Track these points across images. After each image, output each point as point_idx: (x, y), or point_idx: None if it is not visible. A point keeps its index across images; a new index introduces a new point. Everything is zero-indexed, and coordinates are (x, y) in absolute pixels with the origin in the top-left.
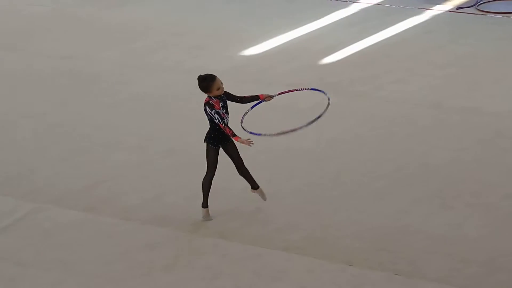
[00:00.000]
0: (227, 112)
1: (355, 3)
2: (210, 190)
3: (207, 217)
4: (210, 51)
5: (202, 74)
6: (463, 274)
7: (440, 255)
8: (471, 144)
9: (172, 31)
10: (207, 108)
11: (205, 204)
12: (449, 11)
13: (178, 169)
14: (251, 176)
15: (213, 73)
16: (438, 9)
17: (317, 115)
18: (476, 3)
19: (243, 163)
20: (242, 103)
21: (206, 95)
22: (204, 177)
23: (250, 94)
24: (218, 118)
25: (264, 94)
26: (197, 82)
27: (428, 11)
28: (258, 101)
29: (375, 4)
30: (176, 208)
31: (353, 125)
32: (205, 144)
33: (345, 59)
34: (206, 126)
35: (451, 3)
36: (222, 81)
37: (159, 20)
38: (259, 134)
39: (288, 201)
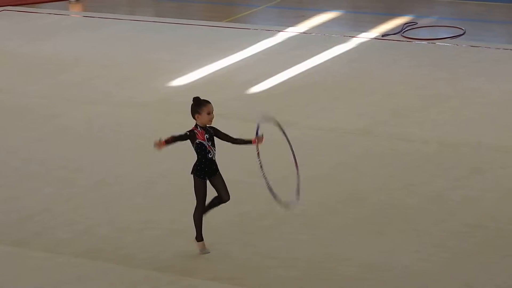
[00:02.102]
0: (213, 145)
1: (280, 32)
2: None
3: (203, 250)
4: (138, 83)
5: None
6: None
7: (373, 282)
8: (400, 171)
9: (100, 63)
10: (191, 140)
11: (199, 238)
12: (375, 38)
13: (110, 200)
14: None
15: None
16: (364, 37)
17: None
18: (401, 30)
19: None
20: (234, 144)
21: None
22: (194, 211)
23: (243, 138)
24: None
25: (254, 137)
26: (124, 112)
27: (354, 38)
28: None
29: (301, 32)
30: (108, 241)
31: (283, 154)
32: (191, 176)
33: (272, 89)
34: (135, 156)
35: (376, 30)
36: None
37: (87, 52)
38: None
39: (221, 231)
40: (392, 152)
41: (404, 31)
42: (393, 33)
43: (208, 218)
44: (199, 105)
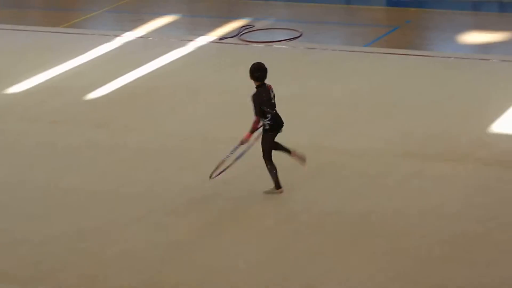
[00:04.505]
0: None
1: (117, 37)
2: None
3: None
4: None
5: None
6: None
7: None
8: (241, 173)
9: None
10: None
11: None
12: (213, 41)
13: None
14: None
15: None
16: (201, 40)
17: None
18: (239, 33)
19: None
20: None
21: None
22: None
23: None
24: None
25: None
26: None
27: (191, 42)
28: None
29: (138, 37)
30: None
31: (124, 159)
32: None
33: (112, 93)
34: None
35: (214, 33)
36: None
37: None
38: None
39: (58, 240)
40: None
41: (241, 34)
42: (230, 36)
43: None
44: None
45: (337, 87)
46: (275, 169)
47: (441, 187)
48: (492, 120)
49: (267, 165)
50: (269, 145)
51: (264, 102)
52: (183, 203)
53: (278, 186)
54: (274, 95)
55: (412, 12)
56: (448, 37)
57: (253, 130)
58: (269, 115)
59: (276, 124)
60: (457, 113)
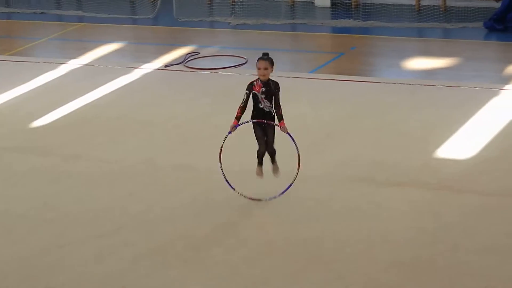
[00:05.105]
0: (267, 98)
1: (62, 65)
2: None
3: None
4: None
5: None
6: None
7: None
8: (188, 200)
9: None
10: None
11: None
12: (158, 69)
13: None
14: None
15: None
16: (147, 68)
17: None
18: (184, 60)
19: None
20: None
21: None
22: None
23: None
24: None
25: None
26: None
27: (137, 69)
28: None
29: (84, 64)
30: None
31: (69, 187)
32: None
33: (56, 121)
34: None
35: (159, 61)
36: (266, 68)
37: None
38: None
39: None
40: (179, 181)
41: (187, 61)
42: (176, 63)
43: None
44: (257, 60)
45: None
46: (260, 153)
47: (389, 212)
48: (438, 145)
49: None
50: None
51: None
52: (129, 229)
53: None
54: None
55: (357, 38)
56: (393, 63)
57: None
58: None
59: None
60: (403, 139)
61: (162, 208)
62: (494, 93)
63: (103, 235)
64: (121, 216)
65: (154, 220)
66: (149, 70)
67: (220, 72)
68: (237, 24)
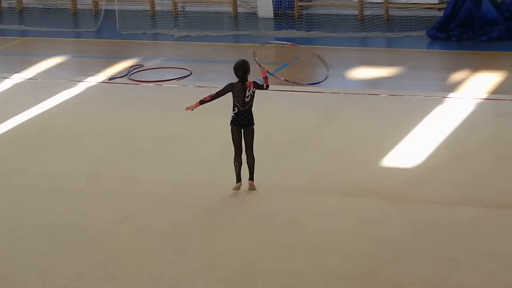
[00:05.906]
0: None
1: (6, 79)
2: None
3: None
4: None
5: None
6: None
7: None
8: (134, 213)
9: None
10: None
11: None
12: (102, 82)
13: None
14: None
15: None
16: (91, 81)
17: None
18: (128, 73)
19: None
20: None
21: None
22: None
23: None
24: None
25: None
26: None
27: (81, 83)
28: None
29: (27, 79)
30: None
31: (13, 202)
32: None
33: (1, 136)
34: None
35: (103, 74)
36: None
37: None
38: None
39: None
40: (124, 194)
41: (131, 74)
42: (120, 76)
43: None
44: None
45: (224, 125)
46: (238, 163)
47: (334, 222)
48: (383, 154)
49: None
50: (232, 138)
51: (236, 94)
52: (69, 246)
53: (237, 179)
54: (250, 94)
55: (301, 49)
56: (337, 73)
57: (202, 102)
58: (236, 109)
59: (237, 121)
60: (348, 148)
61: (107, 221)
62: (438, 102)
63: (45, 252)
64: (64, 232)
65: (96, 235)
66: (93, 83)
67: (164, 84)
68: (180, 36)
